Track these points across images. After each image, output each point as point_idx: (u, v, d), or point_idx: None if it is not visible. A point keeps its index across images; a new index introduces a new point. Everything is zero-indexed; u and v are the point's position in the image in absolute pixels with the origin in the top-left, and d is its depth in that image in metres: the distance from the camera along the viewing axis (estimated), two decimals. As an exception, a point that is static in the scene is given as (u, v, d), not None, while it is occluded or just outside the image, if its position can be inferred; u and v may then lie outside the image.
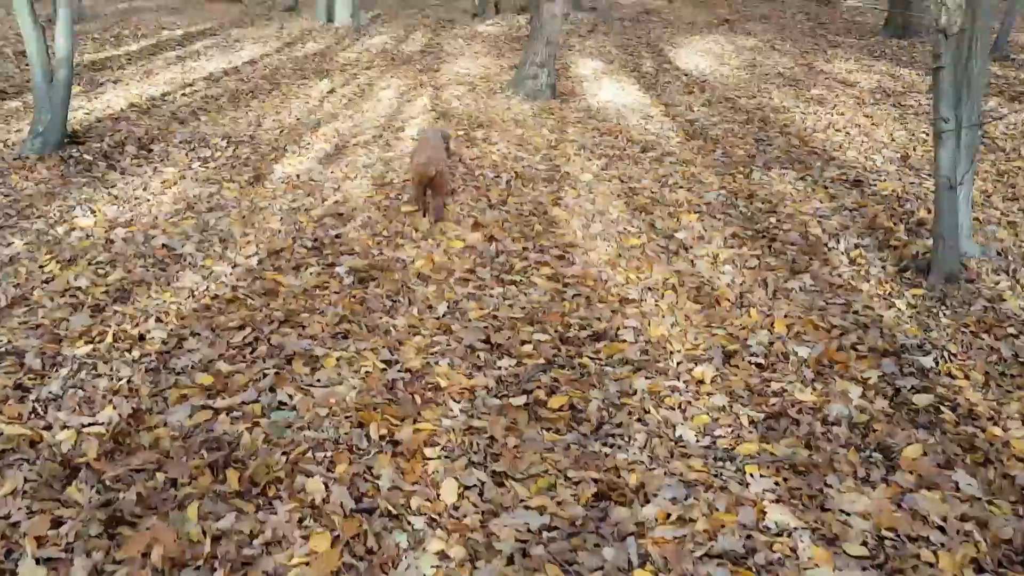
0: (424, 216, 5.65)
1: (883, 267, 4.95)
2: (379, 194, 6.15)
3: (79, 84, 9.30)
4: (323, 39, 13.58)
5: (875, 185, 6.45)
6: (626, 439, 3.34)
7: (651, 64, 11.81)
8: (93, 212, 5.60)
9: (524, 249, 5.26)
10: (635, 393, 3.67)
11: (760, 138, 7.87)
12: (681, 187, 6.48)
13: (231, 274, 4.74)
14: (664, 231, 5.59)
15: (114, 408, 3.36)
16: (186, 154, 6.98)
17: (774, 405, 3.60)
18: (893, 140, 7.70)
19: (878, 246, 5.27)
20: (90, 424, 3.27)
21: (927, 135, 7.79)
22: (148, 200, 5.89)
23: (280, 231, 5.42)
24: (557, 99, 9.48)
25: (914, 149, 7.38)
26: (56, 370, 3.66)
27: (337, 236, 5.35)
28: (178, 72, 10.47)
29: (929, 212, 5.81)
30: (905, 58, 11.80)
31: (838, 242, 5.33)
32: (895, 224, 5.60)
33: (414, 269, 4.89)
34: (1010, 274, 4.78)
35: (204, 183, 6.28)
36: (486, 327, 4.22)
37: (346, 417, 3.35)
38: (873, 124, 8.28)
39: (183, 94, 9.28)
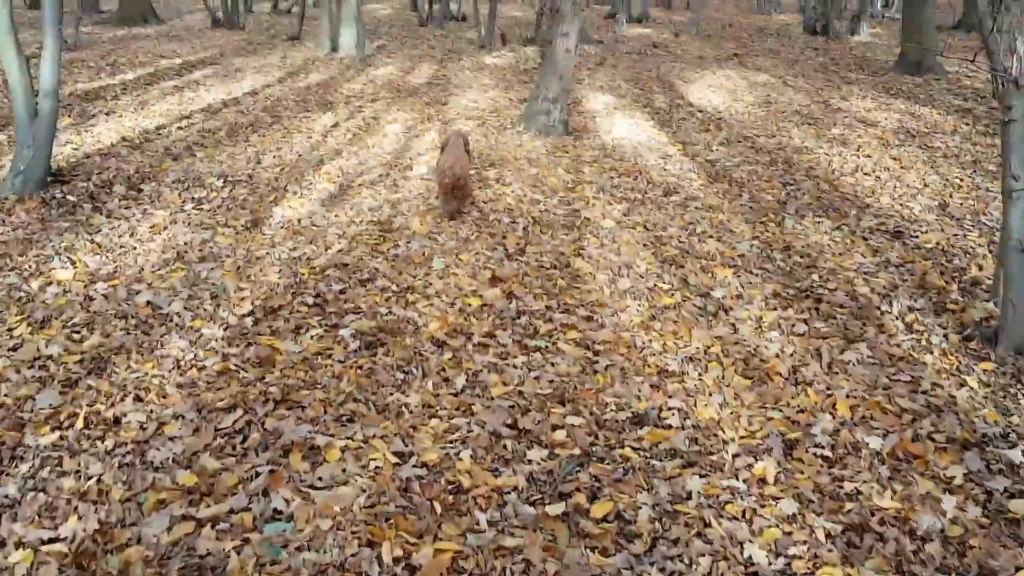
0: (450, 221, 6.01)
1: (945, 336, 4.42)
2: (387, 242, 5.62)
3: (69, 116, 8.79)
4: (327, 69, 13.10)
5: (917, 237, 5.94)
6: (687, 562, 2.78)
7: (663, 99, 11.35)
8: (73, 263, 5.04)
9: (547, 308, 4.72)
10: (690, 497, 3.11)
11: (787, 181, 7.37)
12: (711, 236, 5.97)
13: (222, 338, 4.19)
14: (698, 288, 5.06)
15: (79, 519, 2.79)
16: (178, 195, 6.44)
17: (851, 512, 3.05)
18: (927, 186, 7.21)
19: (934, 309, 4.74)
20: (50, 540, 2.71)
21: (961, 180, 7.31)
22: (134, 248, 5.35)
23: (278, 284, 4.88)
24: (570, 135, 9.00)
25: (951, 196, 6.88)
26: (16, 465, 3.10)
27: (341, 292, 4.81)
28: (175, 103, 9.96)
29: (981, 269, 5.30)
30: (923, 96, 11.36)
31: (891, 304, 4.80)
32: (947, 283, 5.09)
33: (427, 332, 4.34)
34: (1090, 346, 4.26)
35: (197, 228, 5.74)
36: (511, 407, 3.67)
37: (353, 532, 2.79)
38: (903, 168, 7.79)
39: (179, 127, 8.76)
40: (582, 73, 13.03)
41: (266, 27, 18.65)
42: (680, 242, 5.85)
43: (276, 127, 8.94)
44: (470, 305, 4.72)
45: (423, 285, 4.96)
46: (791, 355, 4.24)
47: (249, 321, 4.39)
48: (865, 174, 7.61)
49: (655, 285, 5.10)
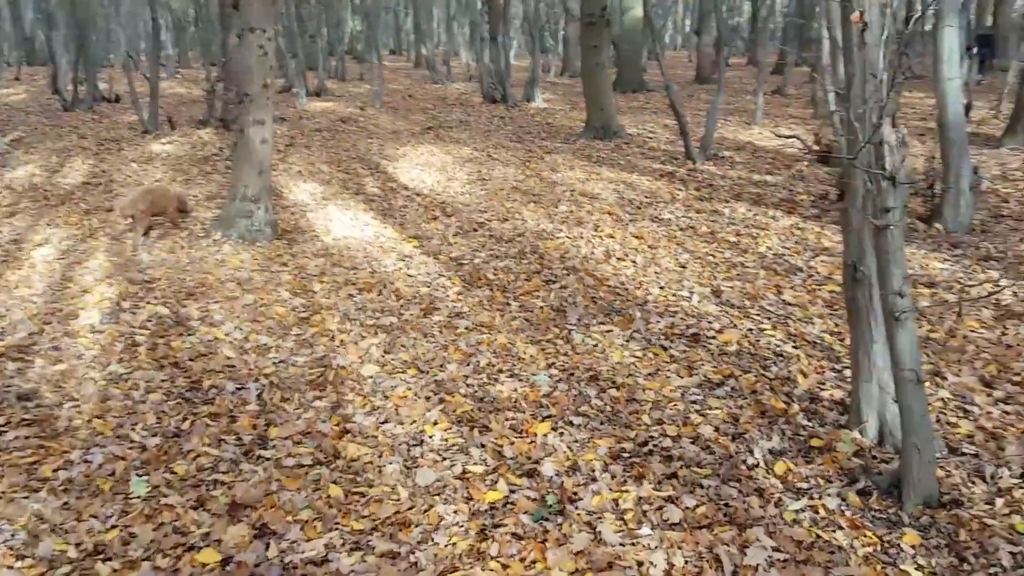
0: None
1: (839, 495, 3.41)
2: (47, 463, 3.53)
3: None
4: (-59, 171, 9.94)
5: (714, 338, 5.09)
6: None
7: (374, 183, 9.94)
8: None
9: (328, 547, 3.04)
10: None
11: (549, 279, 6.28)
12: (500, 370, 4.63)
13: None
14: (520, 462, 3.67)
15: None
16: None
17: None
18: (684, 267, 6.54)
19: (800, 450, 3.78)
20: None
21: (713, 257, 6.75)
22: None
23: None
24: (282, 240, 7.24)
25: (715, 279, 6.24)
26: None
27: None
28: None
29: (805, 376, 4.51)
30: (623, 162, 11.15)
31: (750, 450, 3.78)
32: (786, 404, 4.19)
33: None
34: (989, 481, 3.51)
35: None
36: None
37: None
38: (650, 247, 7.11)
39: None
40: (274, 157, 11.23)
41: None
42: (468, 386, 4.43)
43: None
44: (204, 566, 2.89)
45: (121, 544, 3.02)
46: (684, 568, 2.98)
47: None
48: (619, 259, 6.78)
49: (464, 470, 3.62)
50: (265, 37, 7.04)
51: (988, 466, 3.53)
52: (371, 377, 4.51)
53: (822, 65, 14.43)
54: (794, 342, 4.96)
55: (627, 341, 5.07)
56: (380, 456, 3.71)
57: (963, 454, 3.65)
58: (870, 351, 3.79)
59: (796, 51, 24.01)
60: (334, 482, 3.48)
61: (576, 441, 3.85)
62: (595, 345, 5.01)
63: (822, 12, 7.51)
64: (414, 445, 3.82)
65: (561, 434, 3.91)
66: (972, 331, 4.97)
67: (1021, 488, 3.37)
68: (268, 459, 3.65)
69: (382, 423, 4.01)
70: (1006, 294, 5.48)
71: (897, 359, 3.30)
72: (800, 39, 22.15)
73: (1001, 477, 3.46)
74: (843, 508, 3.32)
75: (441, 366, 4.69)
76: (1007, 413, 4.00)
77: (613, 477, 3.55)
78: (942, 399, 4.16)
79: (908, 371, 3.27)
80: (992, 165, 9.53)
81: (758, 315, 5.44)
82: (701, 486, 3.48)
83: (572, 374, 4.62)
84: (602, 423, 4.04)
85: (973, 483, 3.45)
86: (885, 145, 3.12)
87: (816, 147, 10.30)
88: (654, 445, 3.83)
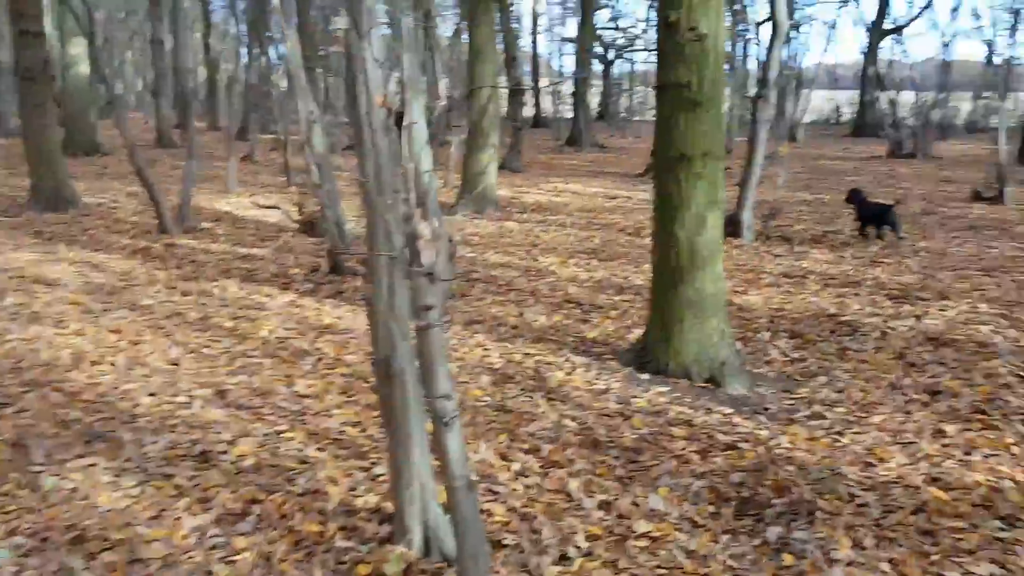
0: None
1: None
2: None
3: None
4: None
5: (226, 453, 4.26)
6: None
7: None
8: None
9: None
10: None
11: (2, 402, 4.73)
12: None
13: None
14: None
15: None
16: None
17: None
18: (177, 365, 5.55)
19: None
20: None
21: (211, 348, 5.90)
22: None
23: None
24: None
25: (214, 375, 5.40)
26: None
27: None
28: None
29: (335, 484, 3.99)
30: (84, 238, 9.50)
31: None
32: (323, 525, 3.60)
33: None
34: (535, 574, 3.38)
35: None
36: None
37: None
38: (132, 343, 5.91)
39: None
40: None
41: None
42: None
43: None
44: None
45: None
46: None
47: None
48: (94, 363, 5.48)
49: None
50: None
51: (531, 556, 3.45)
52: None
53: (287, 136, 14.49)
54: (317, 443, 4.44)
55: (118, 476, 3.97)
56: None
57: (505, 546, 3.53)
58: (410, 453, 3.45)
59: (263, 117, 24.07)
60: None
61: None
62: (74, 489, 3.81)
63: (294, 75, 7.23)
64: None
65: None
66: (476, 399, 5.05)
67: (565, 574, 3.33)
68: None
69: None
70: (496, 359, 5.77)
71: (448, 467, 2.99)
72: (266, 105, 22.25)
73: (542, 568, 3.38)
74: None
75: None
76: (528, 487, 4.04)
77: None
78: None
79: (460, 478, 3.00)
80: (453, 231, 10.44)
81: (272, 415, 4.80)
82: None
83: (46, 538, 3.39)
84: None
85: (522, 578, 3.33)
86: (420, 239, 2.82)
87: (299, 217, 10.10)
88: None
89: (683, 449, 4.27)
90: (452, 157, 14.81)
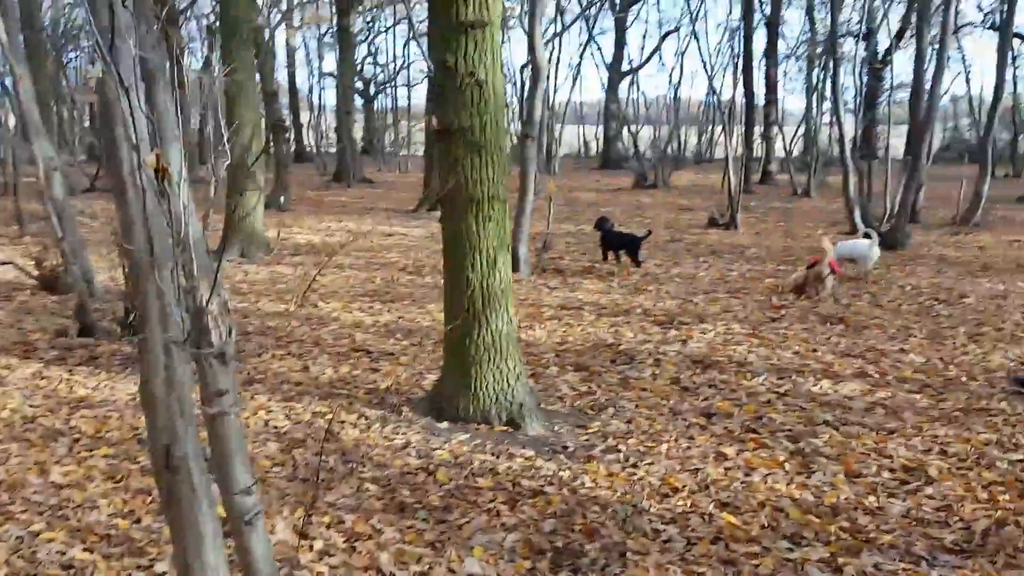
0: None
1: None
2: None
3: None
4: None
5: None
6: None
7: None
8: None
9: None
10: None
11: None
12: None
13: None
14: None
15: None
16: None
17: None
18: None
19: None
20: None
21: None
22: None
23: None
24: None
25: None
26: None
27: None
28: None
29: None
30: None
31: None
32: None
33: None
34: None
35: None
36: None
37: None
38: None
39: None
40: None
41: None
42: None
43: None
44: None
45: None
46: None
47: None
48: None
49: None
50: None
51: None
52: None
53: (18, 180, 12.84)
54: (83, 542, 3.79)
55: None
56: None
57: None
58: (202, 553, 3.03)
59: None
60: None
61: None
62: None
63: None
64: None
65: None
66: (264, 471, 4.63)
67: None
68: None
69: None
70: (282, 421, 5.34)
71: (251, 568, 2.65)
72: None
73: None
74: None
75: None
76: (334, 568, 3.71)
77: None
78: None
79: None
80: (223, 282, 9.68)
81: (24, 512, 4.04)
82: None
83: None
84: None
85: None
86: (208, 318, 2.48)
87: (39, 273, 8.87)
88: None
89: (491, 501, 4.17)
90: (213, 198, 13.80)
